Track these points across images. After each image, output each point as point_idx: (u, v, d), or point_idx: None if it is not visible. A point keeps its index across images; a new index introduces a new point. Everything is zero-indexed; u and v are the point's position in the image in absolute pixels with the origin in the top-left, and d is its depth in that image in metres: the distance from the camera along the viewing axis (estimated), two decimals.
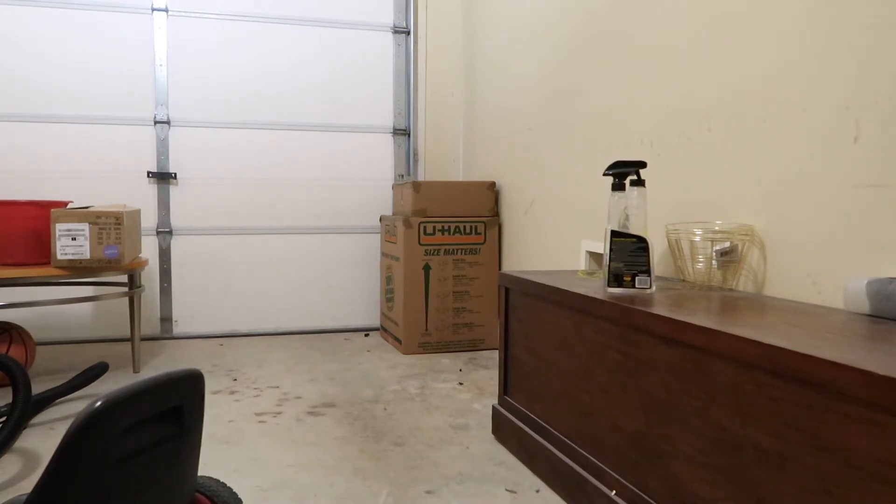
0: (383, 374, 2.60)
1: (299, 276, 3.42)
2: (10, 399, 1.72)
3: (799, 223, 1.41)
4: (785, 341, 0.95)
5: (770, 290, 1.49)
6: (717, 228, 1.57)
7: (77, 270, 2.37)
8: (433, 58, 3.52)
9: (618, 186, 1.49)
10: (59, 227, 2.34)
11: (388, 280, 3.19)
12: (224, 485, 1.18)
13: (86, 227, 2.36)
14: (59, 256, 2.34)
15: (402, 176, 3.54)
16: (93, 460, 0.79)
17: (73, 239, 2.35)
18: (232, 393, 2.34)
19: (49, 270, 2.35)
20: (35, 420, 2.02)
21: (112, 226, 2.38)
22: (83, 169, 3.13)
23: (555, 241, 2.55)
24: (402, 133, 3.54)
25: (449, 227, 2.95)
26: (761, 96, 1.51)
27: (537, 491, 1.57)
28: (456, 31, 3.54)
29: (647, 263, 1.45)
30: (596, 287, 1.53)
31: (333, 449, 1.82)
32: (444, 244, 2.94)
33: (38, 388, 2.23)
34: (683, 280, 1.67)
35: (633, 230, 1.46)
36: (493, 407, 1.91)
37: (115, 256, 2.38)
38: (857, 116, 1.27)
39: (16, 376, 1.68)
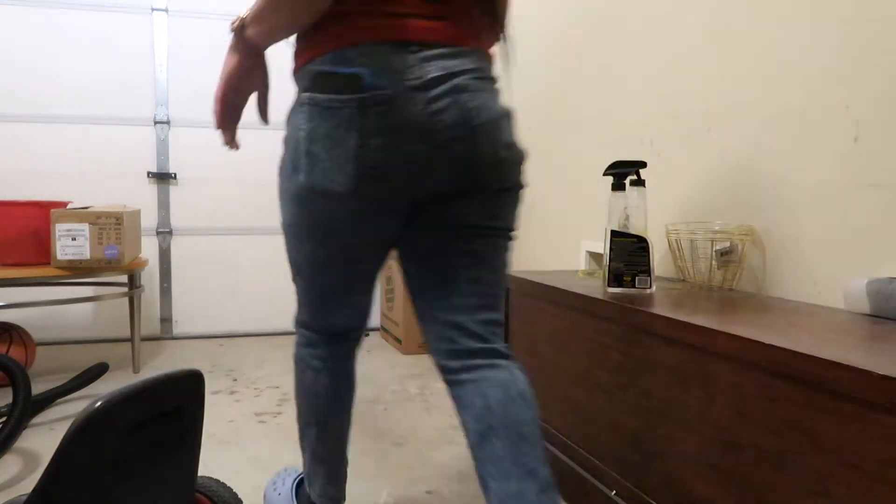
0: (383, 374, 2.60)
1: None
2: (10, 399, 1.72)
3: (799, 223, 1.41)
4: (785, 341, 0.95)
5: (770, 290, 1.49)
6: (717, 228, 1.57)
7: (77, 271, 2.37)
8: None
9: (618, 186, 1.49)
10: (59, 228, 2.34)
11: (388, 280, 3.19)
12: (224, 485, 1.18)
13: (86, 227, 2.36)
14: (59, 257, 2.34)
15: None
16: (93, 460, 0.79)
17: (73, 239, 2.35)
18: (232, 393, 2.34)
19: (49, 270, 2.35)
20: (35, 420, 2.02)
21: (112, 226, 2.38)
22: (83, 169, 3.13)
23: (555, 241, 2.55)
24: None
25: None
26: (761, 96, 1.51)
27: None
28: None
29: (647, 263, 1.45)
30: (596, 287, 1.54)
31: None
32: None
33: (38, 388, 2.23)
34: (683, 280, 1.67)
35: (633, 230, 1.46)
36: None
37: (115, 256, 2.38)
38: (857, 116, 1.27)
39: (16, 376, 1.68)
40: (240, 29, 1.05)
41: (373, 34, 0.96)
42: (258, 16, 1.02)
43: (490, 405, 1.00)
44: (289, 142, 1.04)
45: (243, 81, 1.12)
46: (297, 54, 1.06)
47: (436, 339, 1.11)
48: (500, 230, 1.08)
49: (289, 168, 1.04)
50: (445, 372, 1.09)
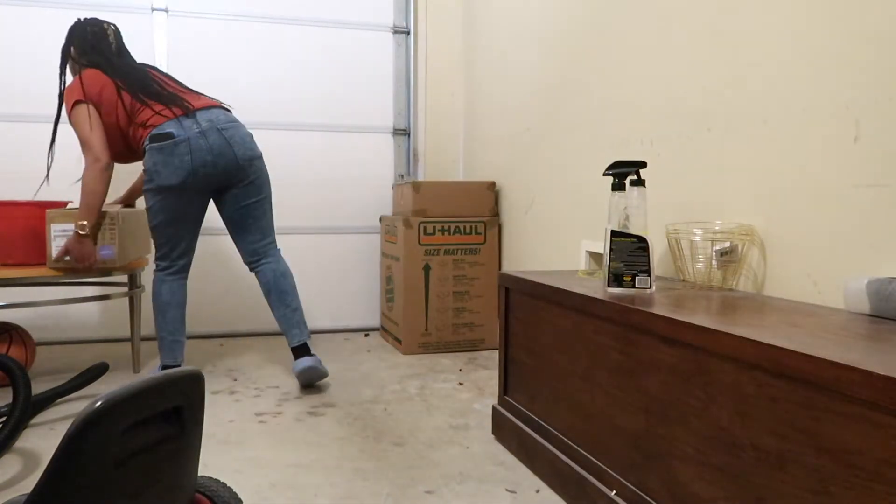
0: (383, 374, 2.61)
1: (299, 276, 3.42)
2: (10, 399, 1.72)
3: (799, 223, 1.41)
4: (785, 341, 0.95)
5: (770, 290, 1.49)
6: (717, 228, 1.58)
7: (72, 271, 2.37)
8: (433, 58, 3.53)
9: (618, 186, 1.49)
10: (55, 228, 2.33)
11: (388, 280, 3.19)
12: (224, 485, 1.18)
13: None
14: (54, 257, 2.34)
15: (402, 176, 3.54)
16: (93, 460, 0.79)
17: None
18: (232, 393, 2.34)
19: (49, 270, 2.35)
20: (35, 420, 2.02)
21: (107, 226, 2.37)
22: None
23: (555, 241, 2.55)
24: (402, 133, 3.54)
25: (449, 227, 2.95)
26: (761, 96, 1.51)
27: (537, 491, 1.57)
28: (456, 31, 3.54)
29: (647, 263, 1.45)
30: (596, 287, 1.54)
31: (333, 449, 1.82)
32: (444, 244, 2.94)
33: (38, 388, 2.23)
34: (683, 280, 1.67)
35: (633, 230, 1.46)
36: (493, 407, 1.91)
37: (111, 257, 2.38)
38: (857, 116, 1.27)
39: (16, 376, 1.68)
40: (91, 229, 2.27)
41: (172, 114, 2.24)
42: (92, 216, 2.26)
43: (268, 278, 2.37)
44: (147, 167, 2.24)
45: (94, 249, 2.34)
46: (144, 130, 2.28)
47: (243, 253, 2.41)
48: (260, 198, 2.37)
49: (149, 179, 2.25)
50: (249, 266, 2.41)
